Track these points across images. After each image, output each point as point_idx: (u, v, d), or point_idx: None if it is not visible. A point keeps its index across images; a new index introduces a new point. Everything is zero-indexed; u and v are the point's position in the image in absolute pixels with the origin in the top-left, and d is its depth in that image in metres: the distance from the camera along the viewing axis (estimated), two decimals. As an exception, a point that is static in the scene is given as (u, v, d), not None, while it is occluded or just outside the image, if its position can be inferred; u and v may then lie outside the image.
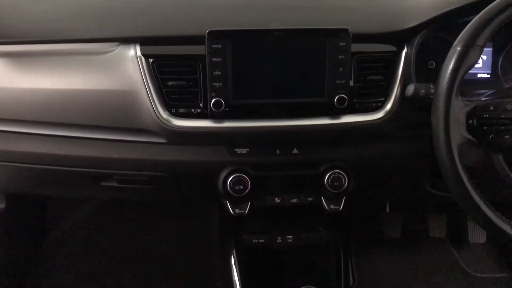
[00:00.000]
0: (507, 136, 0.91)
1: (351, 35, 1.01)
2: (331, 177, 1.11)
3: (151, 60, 1.02)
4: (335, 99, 1.04)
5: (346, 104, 1.04)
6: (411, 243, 1.91)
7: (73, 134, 1.10)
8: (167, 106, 1.03)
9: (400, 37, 1.09)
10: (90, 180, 1.17)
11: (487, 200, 0.89)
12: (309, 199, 1.18)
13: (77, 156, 1.11)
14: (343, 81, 1.04)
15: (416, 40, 1.08)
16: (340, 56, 1.02)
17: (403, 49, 1.09)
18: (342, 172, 1.11)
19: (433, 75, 1.00)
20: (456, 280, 1.83)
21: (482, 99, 0.96)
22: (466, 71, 0.89)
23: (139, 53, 1.03)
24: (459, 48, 0.88)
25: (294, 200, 1.17)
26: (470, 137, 0.90)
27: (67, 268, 1.76)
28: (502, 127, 0.91)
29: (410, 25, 1.07)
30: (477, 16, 0.89)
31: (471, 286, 1.81)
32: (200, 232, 1.73)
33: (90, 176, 1.16)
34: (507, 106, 0.91)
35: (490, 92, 1.04)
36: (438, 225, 1.87)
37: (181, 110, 1.04)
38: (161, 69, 1.02)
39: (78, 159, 1.12)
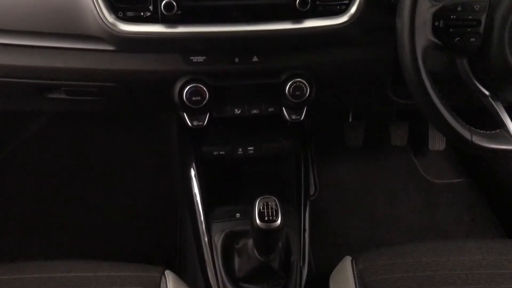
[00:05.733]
0: (472, 39, 0.88)
1: None
2: (292, 86, 1.08)
3: None
4: (297, 1, 0.97)
5: (308, 6, 0.98)
6: (373, 152, 1.95)
7: (11, 42, 1.00)
8: (114, 9, 0.94)
9: None
10: (36, 91, 1.10)
11: (449, 106, 0.88)
12: (270, 109, 1.15)
13: (19, 66, 1.03)
14: None
15: None
16: None
17: None
18: (303, 81, 1.08)
19: None
20: (415, 186, 1.91)
21: (451, -1, 0.92)
22: None
23: None
24: None
25: (254, 111, 1.14)
26: (435, 40, 0.87)
27: (18, 188, 1.73)
28: (469, 29, 0.88)
29: None
30: None
31: (429, 191, 1.89)
32: (160, 144, 1.71)
33: (35, 87, 1.08)
34: (475, 6, 0.87)
35: None
36: (399, 133, 1.90)
37: (129, 14, 0.95)
38: None
39: (20, 69, 1.03)
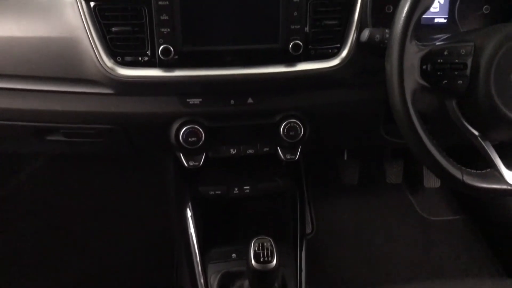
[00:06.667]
0: (460, 82, 0.90)
1: None
2: (286, 126, 1.10)
3: (92, 4, 0.95)
4: (290, 46, 1.00)
5: (301, 51, 1.01)
6: (368, 189, 1.95)
7: (12, 86, 1.03)
8: (112, 54, 0.97)
9: None
10: (35, 134, 1.11)
11: (439, 146, 0.89)
12: (265, 149, 1.16)
13: (18, 109, 1.05)
14: (298, 27, 1.00)
15: None
16: (295, 0, 0.98)
17: None
18: (297, 122, 1.10)
19: (391, 20, 0.98)
20: (410, 223, 1.90)
21: (437, 43, 0.94)
22: (421, 15, 0.86)
23: None
24: None
25: (250, 151, 1.16)
26: (423, 82, 0.89)
27: (17, 227, 1.72)
28: (456, 72, 0.90)
29: None
30: None
31: (425, 228, 1.89)
32: (156, 184, 1.71)
33: (34, 130, 1.10)
34: (461, 50, 0.90)
35: (445, 37, 1.03)
36: (394, 171, 1.91)
37: (128, 58, 0.98)
38: (103, 14, 0.95)
39: (20, 112, 1.05)
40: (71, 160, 1.77)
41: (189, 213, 1.28)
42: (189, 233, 1.27)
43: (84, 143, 1.15)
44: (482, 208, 1.87)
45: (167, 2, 0.93)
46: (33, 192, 1.78)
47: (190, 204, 1.29)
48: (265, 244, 0.99)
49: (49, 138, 1.12)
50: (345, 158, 1.85)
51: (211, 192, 1.26)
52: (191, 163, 1.13)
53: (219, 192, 1.26)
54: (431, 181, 1.86)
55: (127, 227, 1.76)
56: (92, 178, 1.82)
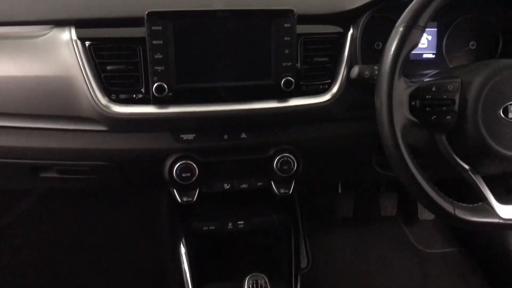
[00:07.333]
0: (448, 117, 0.91)
1: (296, 16, 0.99)
2: (280, 161, 1.11)
3: (87, 44, 0.97)
4: (282, 82, 1.02)
5: (293, 87, 1.03)
6: (364, 222, 1.95)
7: (7, 124, 1.04)
8: (107, 92, 0.98)
9: (345, 18, 1.08)
10: (29, 171, 1.12)
11: (430, 180, 0.90)
12: (259, 183, 1.17)
13: (13, 147, 1.05)
14: (289, 64, 1.02)
15: (362, 21, 1.07)
16: (286, 38, 1.00)
17: (348, 30, 1.08)
18: (291, 156, 1.11)
19: (380, 56, 1.00)
20: (406, 255, 1.89)
21: (425, 79, 0.96)
22: (409, 53, 0.88)
23: (74, 36, 0.98)
24: (401, 29, 0.88)
25: (243, 186, 1.16)
26: (413, 118, 0.91)
27: (11, 262, 1.70)
28: (444, 108, 0.91)
29: (355, 6, 1.06)
30: None
31: (421, 261, 1.87)
32: (150, 219, 1.70)
33: (29, 167, 1.10)
34: (448, 86, 0.92)
35: (433, 73, 1.05)
36: (389, 203, 1.91)
37: (122, 96, 0.99)
38: (98, 53, 0.97)
39: (14, 150, 1.06)
40: (64, 195, 1.77)
41: (183, 249, 1.27)
42: (183, 270, 1.25)
43: (77, 180, 1.15)
44: (478, 239, 1.87)
45: (161, 41, 0.95)
46: (25, 227, 1.77)
47: (183, 239, 1.28)
48: (259, 281, 0.98)
49: (42, 175, 1.12)
50: (340, 191, 1.86)
51: (205, 228, 1.25)
52: (185, 199, 1.13)
53: (213, 227, 1.25)
54: (426, 213, 1.87)
55: (120, 263, 1.74)
56: (84, 213, 1.81)
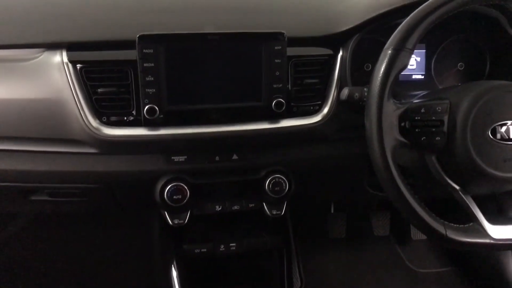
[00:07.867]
0: (438, 138, 0.92)
1: (286, 39, 1.01)
2: (271, 182, 1.11)
3: (79, 67, 0.97)
4: (273, 104, 1.03)
5: (284, 108, 1.04)
6: (356, 242, 1.94)
7: None
8: (98, 114, 0.98)
9: (335, 40, 1.09)
10: (19, 194, 1.10)
11: (421, 201, 0.90)
12: (251, 205, 1.16)
13: (3, 169, 1.04)
14: (280, 85, 1.03)
15: (351, 43, 1.09)
16: (276, 60, 1.02)
17: (338, 52, 1.09)
18: (282, 177, 1.11)
19: (370, 78, 1.01)
20: (400, 276, 1.88)
21: (414, 101, 0.97)
22: (397, 75, 0.89)
23: (65, 59, 0.98)
24: (389, 52, 0.89)
25: (235, 207, 1.16)
26: (403, 139, 0.91)
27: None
28: (433, 129, 0.92)
29: (344, 28, 1.08)
30: (405, 20, 0.89)
31: (414, 281, 1.86)
32: (140, 242, 1.68)
33: (19, 190, 1.09)
34: (437, 108, 0.92)
35: (422, 94, 1.06)
36: (381, 223, 1.91)
37: (113, 118, 0.99)
38: (90, 76, 0.98)
39: (4, 173, 1.05)
40: (53, 218, 1.75)
41: (174, 272, 1.26)
42: None
43: (68, 203, 1.14)
44: (471, 259, 1.86)
45: (152, 64, 0.96)
46: (15, 250, 1.74)
47: (175, 262, 1.26)
48: (251, 304, 0.97)
49: (33, 198, 1.11)
50: (332, 212, 1.85)
51: (196, 250, 1.24)
52: (176, 221, 1.12)
53: (205, 250, 1.24)
54: (419, 233, 1.86)
55: (111, 287, 1.71)
56: (74, 236, 1.78)
